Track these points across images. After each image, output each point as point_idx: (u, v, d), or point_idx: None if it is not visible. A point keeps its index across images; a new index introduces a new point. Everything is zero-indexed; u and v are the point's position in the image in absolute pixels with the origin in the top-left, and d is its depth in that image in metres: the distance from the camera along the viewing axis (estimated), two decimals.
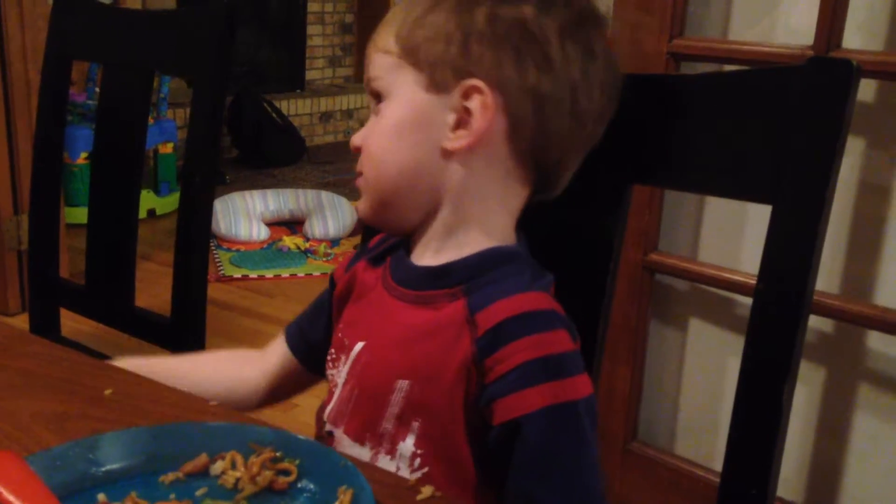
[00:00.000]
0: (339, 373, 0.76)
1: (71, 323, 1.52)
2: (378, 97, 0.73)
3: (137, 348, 2.11)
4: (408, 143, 0.71)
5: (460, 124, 0.70)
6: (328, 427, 0.75)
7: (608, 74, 0.72)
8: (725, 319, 1.59)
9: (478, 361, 0.66)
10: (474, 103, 0.69)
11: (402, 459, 0.70)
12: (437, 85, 0.70)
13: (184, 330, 1.26)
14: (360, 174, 0.75)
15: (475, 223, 0.72)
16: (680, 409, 1.69)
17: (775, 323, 0.72)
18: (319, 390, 0.84)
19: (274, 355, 0.87)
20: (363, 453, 0.71)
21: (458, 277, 0.70)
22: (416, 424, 0.69)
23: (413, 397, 0.69)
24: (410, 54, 0.70)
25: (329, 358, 0.78)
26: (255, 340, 2.47)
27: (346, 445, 0.73)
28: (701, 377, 1.65)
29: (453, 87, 0.69)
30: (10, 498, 0.48)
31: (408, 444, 0.69)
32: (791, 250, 0.71)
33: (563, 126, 0.71)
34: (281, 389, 0.87)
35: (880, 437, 1.45)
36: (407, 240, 0.76)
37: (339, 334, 0.77)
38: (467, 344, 0.67)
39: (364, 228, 0.92)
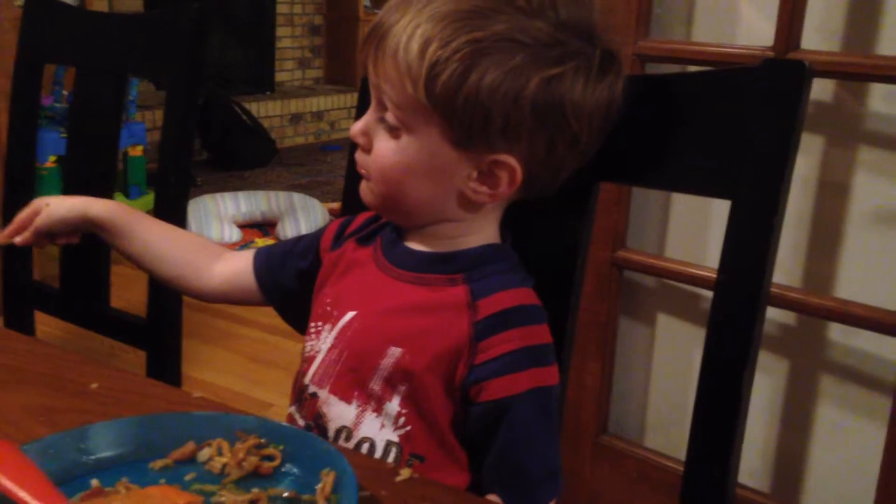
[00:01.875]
0: (323, 340, 0.80)
1: (43, 327, 1.52)
2: (384, 107, 0.74)
3: (110, 352, 2.11)
4: (426, 184, 0.74)
5: (482, 179, 0.74)
6: (312, 389, 0.79)
7: (616, 117, 0.76)
8: (692, 314, 1.63)
9: (473, 342, 0.72)
10: (503, 174, 0.73)
11: (387, 417, 0.75)
12: (466, 147, 0.72)
13: (159, 331, 1.27)
14: (366, 172, 0.77)
15: (474, 229, 0.78)
16: (649, 402, 1.72)
17: (735, 311, 0.75)
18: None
19: (237, 266, 0.92)
20: (349, 411, 0.76)
21: (459, 265, 0.76)
22: (402, 388, 0.74)
23: (403, 364, 0.74)
24: (445, 114, 0.70)
25: (313, 331, 0.82)
26: (228, 342, 2.49)
27: (333, 403, 0.78)
28: (669, 371, 1.69)
29: (484, 153, 0.72)
30: (8, 484, 0.50)
31: (393, 405, 0.75)
32: (749, 243, 0.74)
33: (571, 170, 0.77)
34: (229, 297, 0.93)
35: (841, 425, 1.49)
36: (399, 226, 0.81)
37: (328, 308, 0.81)
38: (465, 325, 0.73)
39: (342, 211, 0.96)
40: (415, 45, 0.69)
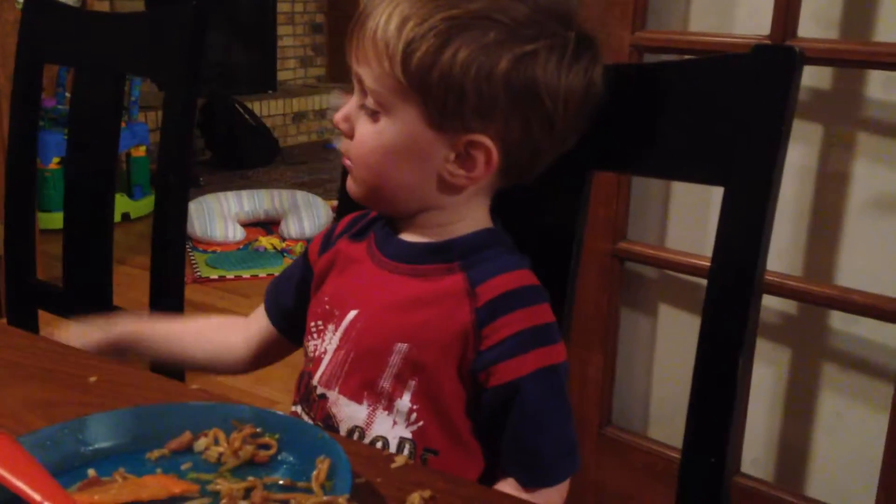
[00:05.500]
0: (328, 341, 0.80)
1: (47, 327, 1.53)
2: (365, 93, 0.74)
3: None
4: (405, 167, 0.75)
5: (459, 161, 0.74)
6: (320, 390, 0.79)
7: (595, 103, 0.76)
8: (694, 304, 1.63)
9: (476, 329, 0.73)
10: (479, 155, 0.73)
11: (398, 415, 0.75)
12: (442, 127, 0.72)
13: None
14: (349, 160, 0.78)
15: (462, 215, 0.78)
16: (652, 393, 1.73)
17: (729, 298, 0.76)
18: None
19: (255, 324, 0.92)
20: (360, 411, 0.77)
21: (454, 254, 0.76)
22: (412, 383, 0.75)
23: (411, 358, 0.74)
24: (421, 91, 0.71)
25: (314, 330, 0.82)
26: None
27: (343, 405, 0.78)
28: (672, 361, 1.70)
29: (460, 133, 0.73)
30: (5, 474, 0.51)
31: (404, 401, 0.75)
32: (743, 229, 0.75)
33: (551, 155, 0.77)
34: (263, 357, 0.93)
35: (844, 413, 1.50)
36: (390, 218, 0.81)
37: (326, 306, 0.81)
38: (467, 313, 0.73)
39: (338, 213, 0.96)
40: (392, 24, 0.70)
